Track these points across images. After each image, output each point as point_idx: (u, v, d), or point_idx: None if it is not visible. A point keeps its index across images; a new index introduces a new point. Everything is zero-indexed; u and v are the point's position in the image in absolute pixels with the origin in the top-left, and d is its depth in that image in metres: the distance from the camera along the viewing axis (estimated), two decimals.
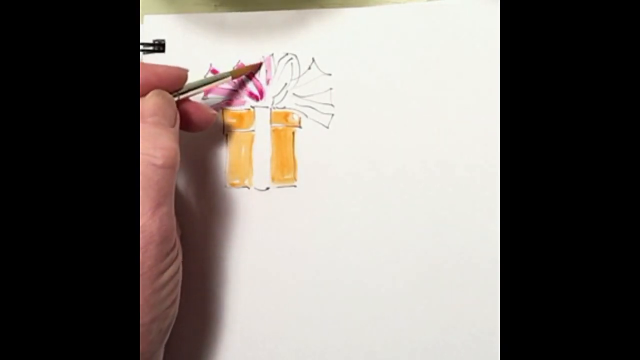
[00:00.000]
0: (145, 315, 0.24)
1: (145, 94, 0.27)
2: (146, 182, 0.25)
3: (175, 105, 0.28)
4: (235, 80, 0.33)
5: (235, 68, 0.33)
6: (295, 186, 0.32)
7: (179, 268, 0.27)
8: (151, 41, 0.33)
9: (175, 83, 0.29)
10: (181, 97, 0.29)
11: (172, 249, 0.26)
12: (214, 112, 0.31)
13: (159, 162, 0.25)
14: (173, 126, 0.27)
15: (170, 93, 0.28)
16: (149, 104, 0.27)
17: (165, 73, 0.28)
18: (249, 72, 0.33)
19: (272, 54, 0.33)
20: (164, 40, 0.33)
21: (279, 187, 0.32)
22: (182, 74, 0.29)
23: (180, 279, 0.27)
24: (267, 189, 0.32)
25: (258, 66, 0.33)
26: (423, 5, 0.32)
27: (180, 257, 0.27)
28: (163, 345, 0.27)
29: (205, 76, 0.33)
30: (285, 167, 0.32)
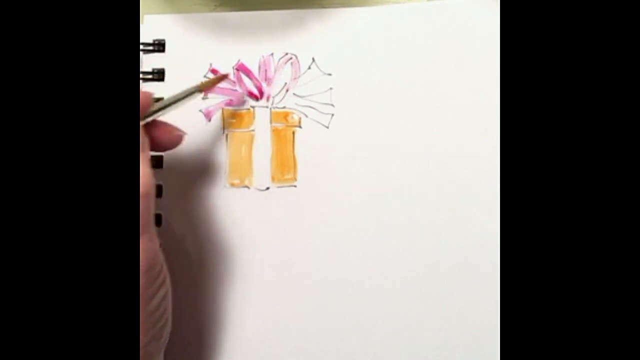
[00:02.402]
0: (141, 339, 0.24)
1: None
2: None
3: (140, 129, 0.26)
4: (235, 80, 0.33)
5: (205, 81, 0.32)
6: (295, 186, 0.32)
7: (168, 290, 0.26)
8: (151, 41, 0.33)
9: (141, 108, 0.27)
10: (148, 119, 0.28)
11: (159, 274, 0.26)
12: (181, 133, 0.29)
13: None
14: (143, 151, 0.26)
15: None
16: None
17: None
18: (217, 83, 0.32)
19: (272, 54, 0.33)
20: (164, 40, 0.33)
21: (279, 187, 0.32)
22: (147, 98, 0.27)
23: (171, 299, 0.27)
24: (267, 189, 0.32)
25: (224, 77, 0.32)
26: (423, 5, 0.32)
27: (168, 279, 0.27)
28: (162, 355, 0.27)
29: (204, 76, 0.33)
30: (285, 167, 0.32)
